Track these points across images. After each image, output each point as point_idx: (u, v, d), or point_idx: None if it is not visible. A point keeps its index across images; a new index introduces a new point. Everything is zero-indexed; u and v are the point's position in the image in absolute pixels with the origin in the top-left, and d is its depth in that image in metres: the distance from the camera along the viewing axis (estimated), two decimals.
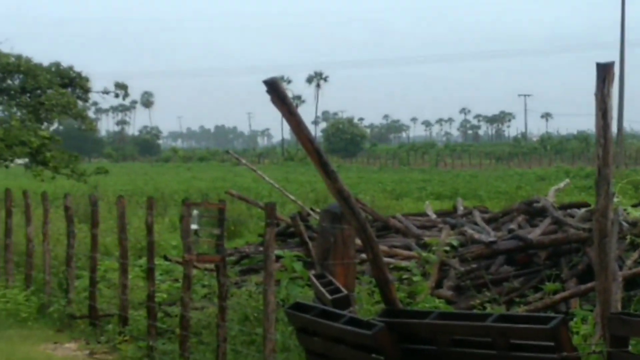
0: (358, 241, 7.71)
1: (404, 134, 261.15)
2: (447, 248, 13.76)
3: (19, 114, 33.91)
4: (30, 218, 14.64)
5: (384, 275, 7.33)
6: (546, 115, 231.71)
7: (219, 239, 9.84)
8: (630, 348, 5.35)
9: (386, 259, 10.10)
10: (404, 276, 12.57)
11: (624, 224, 13.31)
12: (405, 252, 14.42)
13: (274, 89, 6.79)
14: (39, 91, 34.06)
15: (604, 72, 6.70)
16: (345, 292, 7.07)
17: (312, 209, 16.94)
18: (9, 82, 34.63)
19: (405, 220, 16.83)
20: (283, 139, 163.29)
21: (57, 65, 35.33)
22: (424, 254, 13.68)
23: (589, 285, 11.11)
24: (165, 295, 11.68)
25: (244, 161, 20.88)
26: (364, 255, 9.47)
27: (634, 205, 16.10)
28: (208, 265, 11.98)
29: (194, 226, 10.50)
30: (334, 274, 7.44)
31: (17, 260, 15.10)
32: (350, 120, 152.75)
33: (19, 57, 34.37)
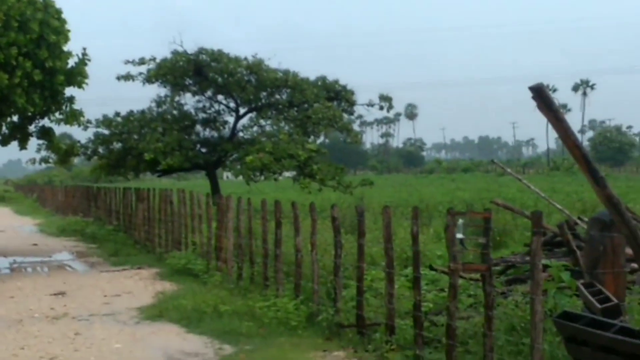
0: (628, 250, 7.50)
1: None
2: None
3: (286, 127, 35.02)
4: (298, 229, 14.97)
5: None
6: None
7: (484, 248, 9.81)
8: None
9: None
10: None
11: None
12: None
13: (540, 95, 6.72)
14: (305, 105, 35.00)
15: None
16: (615, 301, 6.89)
17: (579, 218, 16.54)
18: (277, 96, 35.82)
19: None
20: (548, 149, 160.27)
21: (323, 79, 36.20)
22: None
23: None
24: (431, 305, 11.72)
25: (509, 170, 20.66)
26: (634, 265, 9.19)
27: None
28: (474, 275, 11.92)
29: (459, 235, 10.52)
30: (603, 283, 7.27)
31: (287, 270, 15.49)
32: (618, 129, 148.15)
33: (286, 72, 35.48)
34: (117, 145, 35.38)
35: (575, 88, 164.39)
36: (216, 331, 13.45)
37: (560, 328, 6.74)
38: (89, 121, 33.21)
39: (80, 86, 26.23)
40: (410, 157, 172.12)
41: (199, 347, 12.56)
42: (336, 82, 36.16)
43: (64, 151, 30.37)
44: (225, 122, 37.24)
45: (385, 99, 38.56)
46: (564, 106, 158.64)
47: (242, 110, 36.77)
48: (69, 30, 25.49)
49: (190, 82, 35.98)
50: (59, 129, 28.61)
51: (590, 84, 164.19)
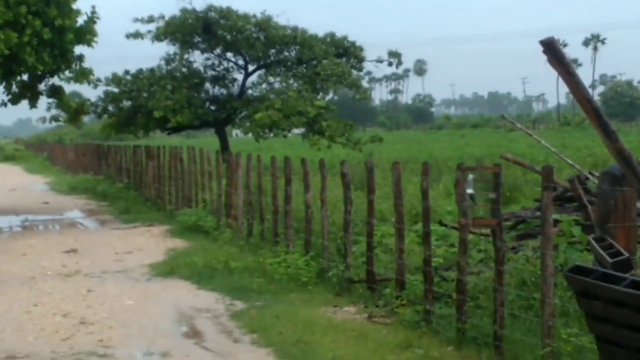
0: None
1: None
2: None
3: (295, 85, 34.95)
4: (308, 185, 14.98)
5: None
6: None
7: (495, 203, 9.77)
8: None
9: None
10: None
11: None
12: None
13: (551, 48, 6.67)
14: (314, 62, 34.92)
15: None
16: (626, 255, 6.88)
17: (590, 173, 16.50)
18: (286, 54, 35.73)
19: None
20: (559, 104, 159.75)
21: (332, 35, 36.09)
22: None
23: None
24: (441, 260, 11.71)
25: (519, 126, 20.54)
26: None
27: None
28: (484, 230, 11.89)
29: (469, 191, 10.48)
30: (614, 237, 7.26)
31: (297, 227, 15.48)
32: (629, 83, 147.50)
33: (295, 30, 35.37)
34: (126, 104, 35.39)
35: (586, 43, 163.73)
36: (227, 287, 13.50)
37: (571, 282, 6.74)
38: (98, 79, 33.16)
39: (89, 44, 26.19)
40: (420, 114, 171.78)
41: (210, 303, 12.60)
42: (345, 38, 36.04)
43: (74, 109, 30.36)
44: (234, 80, 37.22)
45: (394, 55, 38.47)
46: (575, 61, 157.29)
47: (250, 68, 36.71)
48: None
49: (199, 39, 35.89)
50: (68, 88, 28.70)
51: (601, 38, 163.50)
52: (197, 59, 36.94)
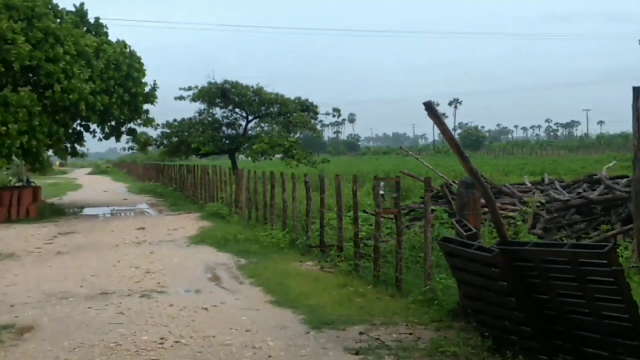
0: (482, 200, 7.54)
1: (509, 136, 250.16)
2: (538, 204, 13.34)
3: (277, 128, 34.85)
4: (284, 189, 14.99)
5: (498, 221, 7.15)
6: (600, 122, 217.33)
7: (396, 199, 9.84)
8: None
9: (500, 211, 9.82)
10: (511, 222, 12.24)
11: None
12: (512, 207, 14.05)
13: (430, 107, 6.77)
14: (288, 114, 34.85)
15: (637, 93, 6.32)
16: (474, 230, 6.95)
17: (453, 181, 16.64)
18: (271, 109, 35.64)
19: (511, 187, 16.48)
20: (434, 140, 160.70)
21: (299, 98, 35.97)
22: (524, 208, 13.28)
23: (629, 226, 10.68)
24: (364, 234, 11.73)
25: (411, 153, 20.83)
26: (486, 209, 9.24)
27: None
28: (390, 216, 11.98)
29: (381, 192, 10.52)
30: (467, 220, 7.32)
31: (278, 214, 15.45)
32: (475, 127, 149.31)
33: (276, 94, 35.26)
34: (174, 139, 34.97)
35: (450, 103, 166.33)
36: (235, 250, 13.46)
37: (442, 247, 6.80)
38: (157, 124, 32.70)
39: (152, 103, 26.06)
40: (351, 146, 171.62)
41: (225, 260, 12.56)
42: (307, 100, 35.99)
43: (142, 143, 30.20)
44: (240, 125, 36.79)
45: (336, 110, 38.49)
46: (444, 114, 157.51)
47: (250, 118, 36.41)
48: (145, 69, 25.27)
49: (219, 100, 35.47)
50: (139, 129, 28.42)
51: (459, 101, 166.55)
52: (217, 112, 36.54)
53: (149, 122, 27.06)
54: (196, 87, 35.66)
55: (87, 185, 47.94)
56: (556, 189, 15.26)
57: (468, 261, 6.26)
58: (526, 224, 12.11)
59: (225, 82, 35.40)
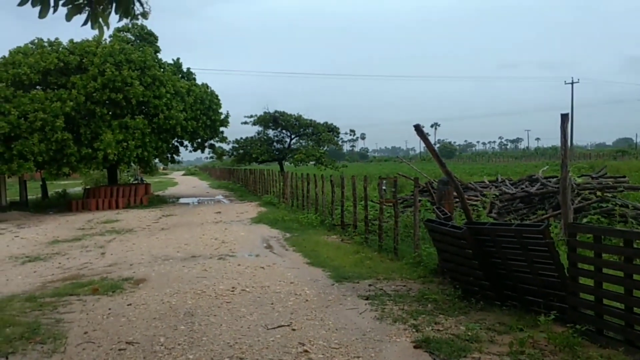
0: (455, 193, 7.47)
1: (474, 148, 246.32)
2: (494, 196, 13.11)
3: (311, 143, 34.84)
4: (316, 185, 14.97)
5: (466, 207, 7.08)
6: (537, 139, 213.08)
7: (394, 193, 9.79)
8: (578, 237, 4.99)
9: (467, 201, 9.72)
10: (475, 209, 12.06)
11: (573, 184, 12.35)
12: (475, 198, 13.81)
13: (418, 129, 6.73)
14: (319, 134, 34.84)
15: (564, 118, 6.24)
16: (449, 214, 6.89)
17: (433, 180, 16.46)
18: (307, 130, 35.65)
19: (475, 184, 16.17)
20: (421, 151, 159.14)
21: (326, 122, 35.95)
22: (484, 198, 13.06)
23: (558, 211, 10.46)
24: (372, 216, 11.68)
25: (405, 160, 20.64)
26: (457, 199, 9.15)
27: (578, 176, 15.01)
28: (389, 204, 11.91)
29: (383, 187, 10.50)
30: (444, 207, 7.26)
31: (311, 202, 15.44)
32: (450, 143, 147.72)
33: (311, 120, 35.25)
34: (241, 151, 35.17)
35: (432, 125, 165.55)
36: (283, 227, 13.47)
37: (426, 226, 6.76)
38: (229, 141, 32.97)
39: (226, 126, 26.25)
40: (362, 155, 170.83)
41: (276, 234, 12.58)
42: (332, 124, 35.93)
43: (219, 153, 30.41)
44: (286, 141, 36.87)
45: (352, 130, 38.55)
46: (428, 134, 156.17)
47: (292, 136, 36.44)
48: (220, 103, 25.50)
49: (271, 124, 35.58)
50: (217, 144, 28.68)
51: (438, 124, 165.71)
52: (270, 132, 36.63)
53: (223, 139, 27.35)
54: (256, 115, 35.75)
55: (181, 182, 48.49)
56: (506, 185, 15.00)
57: (445, 235, 6.23)
58: (485, 210, 11.95)
59: (276, 111, 35.49)
